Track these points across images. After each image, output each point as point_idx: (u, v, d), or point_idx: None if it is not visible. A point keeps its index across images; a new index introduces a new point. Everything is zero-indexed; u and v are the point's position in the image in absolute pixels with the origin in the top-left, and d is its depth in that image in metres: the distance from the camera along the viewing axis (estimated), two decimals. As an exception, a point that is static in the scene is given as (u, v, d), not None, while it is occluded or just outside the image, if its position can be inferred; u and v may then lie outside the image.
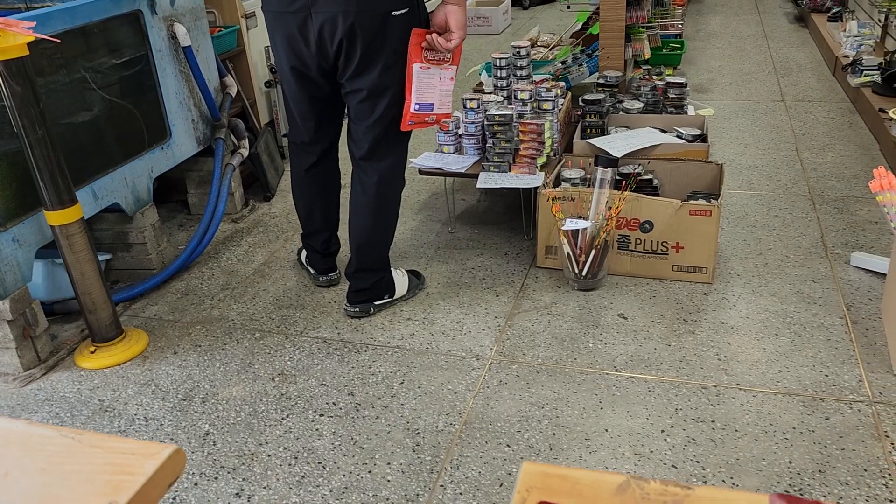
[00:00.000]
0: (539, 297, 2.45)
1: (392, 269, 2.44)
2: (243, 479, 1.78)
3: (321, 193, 2.47)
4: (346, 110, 2.30)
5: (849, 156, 3.42)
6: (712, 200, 2.43)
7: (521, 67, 2.99)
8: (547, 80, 3.09)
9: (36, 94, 1.96)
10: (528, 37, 4.39)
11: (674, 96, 3.21)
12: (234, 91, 3.13)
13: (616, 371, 2.07)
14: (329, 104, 2.27)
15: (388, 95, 2.12)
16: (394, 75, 2.09)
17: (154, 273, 2.67)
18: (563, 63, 3.87)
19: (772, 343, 2.15)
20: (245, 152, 3.14)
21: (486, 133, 2.70)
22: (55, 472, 0.69)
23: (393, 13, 1.99)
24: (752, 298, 2.37)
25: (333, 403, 2.02)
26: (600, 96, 3.03)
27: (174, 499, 1.73)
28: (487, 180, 2.64)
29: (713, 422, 1.87)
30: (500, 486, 1.71)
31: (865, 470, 1.70)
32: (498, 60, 2.99)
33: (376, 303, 2.40)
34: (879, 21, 4.61)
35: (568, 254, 2.43)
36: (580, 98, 3.07)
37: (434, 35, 2.06)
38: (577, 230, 2.39)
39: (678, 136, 2.89)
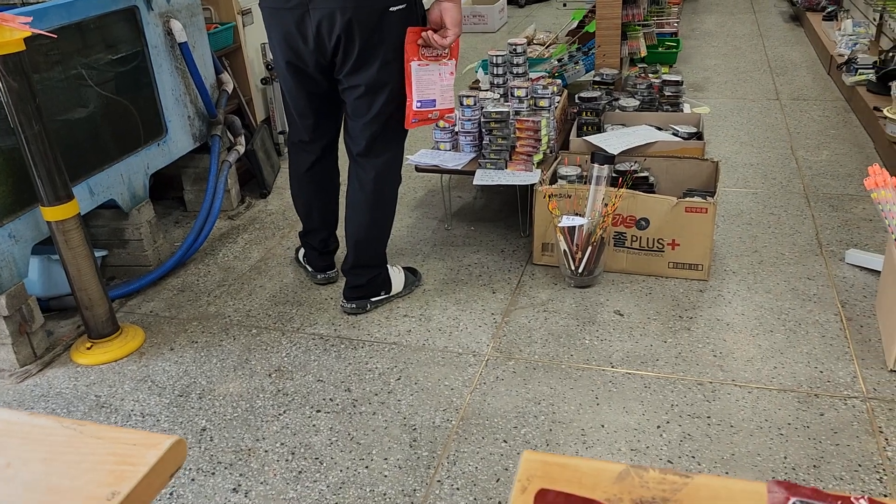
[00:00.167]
0: (535, 294, 2.45)
1: (388, 265, 2.45)
2: (240, 475, 1.78)
3: (320, 193, 2.47)
4: (343, 107, 2.30)
5: (843, 154, 3.43)
6: (708, 198, 2.44)
7: (518, 65, 2.99)
8: (543, 78, 3.10)
9: (32, 89, 1.96)
10: (525, 35, 4.39)
11: (670, 94, 3.22)
12: (230, 88, 3.13)
13: (612, 367, 2.08)
14: (327, 101, 2.27)
15: (386, 91, 2.12)
16: (392, 71, 2.09)
17: (150, 269, 2.67)
18: (559, 61, 3.88)
19: (767, 339, 2.16)
20: (241, 149, 3.13)
21: (483, 130, 2.70)
22: (57, 463, 0.69)
23: (391, 9, 2.00)
24: (747, 295, 2.38)
25: (330, 399, 2.02)
26: (596, 94, 3.04)
27: (171, 494, 1.74)
28: (484, 177, 2.64)
29: (709, 417, 1.88)
30: (497, 481, 1.72)
31: (860, 465, 1.71)
32: (494, 58, 2.99)
33: (373, 299, 2.40)
34: (874, 20, 4.63)
35: (564, 251, 2.44)
36: (576, 96, 3.08)
37: (430, 32, 2.07)
38: (574, 227, 2.40)
39: (674, 134, 2.90)
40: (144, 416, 2.00)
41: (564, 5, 7.01)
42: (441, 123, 2.81)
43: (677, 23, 4.99)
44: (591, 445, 1.81)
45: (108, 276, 2.70)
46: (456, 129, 2.82)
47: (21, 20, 1.87)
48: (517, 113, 2.75)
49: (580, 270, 2.44)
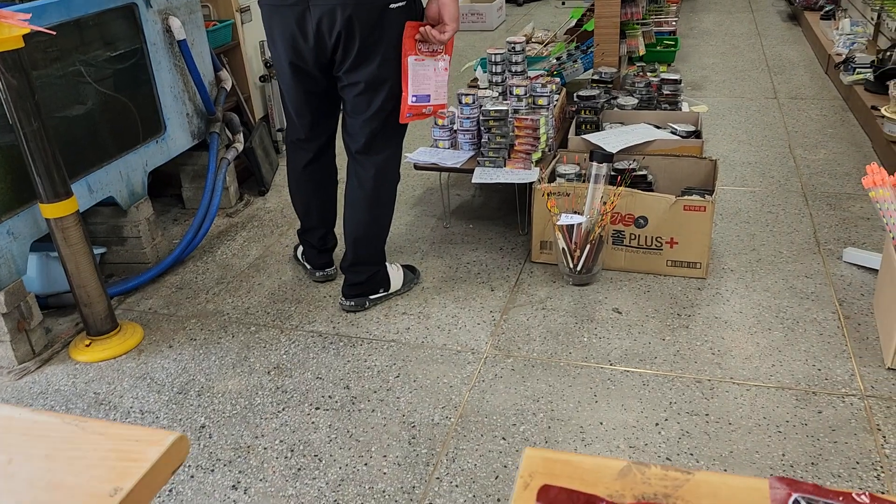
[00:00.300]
0: (534, 292, 2.46)
1: (387, 263, 2.45)
2: (240, 472, 1.78)
3: (318, 191, 2.47)
4: (341, 105, 2.30)
5: (841, 153, 3.44)
6: (706, 196, 2.44)
7: (517, 63, 2.99)
8: (542, 76, 3.10)
9: (31, 86, 1.96)
10: (523, 33, 4.39)
11: (668, 93, 3.22)
12: (228, 85, 3.13)
13: (611, 365, 2.08)
14: (326, 99, 2.27)
15: (386, 88, 2.12)
16: (391, 68, 2.09)
17: (149, 267, 2.67)
18: (557, 59, 3.88)
19: (765, 337, 2.17)
20: (240, 147, 3.13)
21: (482, 128, 2.70)
22: (59, 459, 0.69)
23: (391, 6, 2.00)
24: (745, 293, 2.39)
25: (329, 397, 2.02)
26: (595, 92, 3.04)
27: (170, 491, 1.74)
28: (483, 175, 2.64)
29: (707, 415, 1.88)
30: (496, 478, 1.72)
31: (857, 462, 1.71)
32: (493, 56, 2.99)
33: (371, 297, 2.41)
34: (872, 19, 4.64)
35: (563, 249, 2.44)
36: (575, 94, 3.08)
37: (428, 27, 2.07)
38: (572, 225, 2.40)
39: (672, 133, 2.91)
40: (143, 413, 2.00)
41: (563, 3, 7.01)
42: (440, 121, 2.81)
43: (676, 21, 4.99)
44: (590, 443, 1.81)
45: (106, 273, 2.70)
46: (455, 128, 2.82)
47: (20, 17, 1.86)
48: (516, 111, 2.75)
49: (579, 268, 2.44)
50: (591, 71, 3.61)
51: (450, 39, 2.11)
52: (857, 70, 4.00)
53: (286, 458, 1.82)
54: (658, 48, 4.59)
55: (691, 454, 1.76)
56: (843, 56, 4.31)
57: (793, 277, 2.46)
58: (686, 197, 2.43)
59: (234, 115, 3.17)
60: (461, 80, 4.58)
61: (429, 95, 2.16)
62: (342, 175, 2.42)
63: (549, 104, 2.83)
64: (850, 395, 1.92)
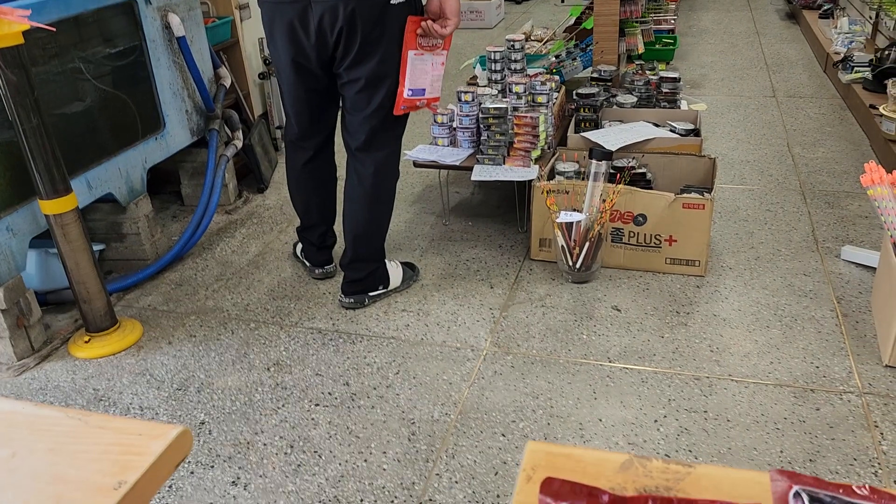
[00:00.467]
0: (533, 289, 2.46)
1: (387, 260, 2.45)
2: (239, 468, 1.79)
3: (318, 189, 2.47)
4: (341, 102, 2.30)
5: (839, 151, 3.45)
6: (705, 194, 2.45)
7: (516, 61, 2.99)
8: (541, 74, 3.10)
9: (31, 82, 1.95)
10: (522, 31, 4.39)
11: (667, 91, 3.23)
12: (227, 82, 3.12)
13: (610, 362, 2.09)
14: (325, 97, 2.27)
15: (386, 85, 2.12)
16: (392, 65, 2.10)
17: (148, 263, 2.67)
18: (556, 57, 3.88)
19: (763, 335, 2.18)
20: (239, 144, 3.13)
21: (481, 126, 2.70)
22: (63, 453, 0.70)
23: (392, 2, 2.00)
24: (743, 291, 2.39)
25: (329, 393, 2.02)
26: (594, 90, 3.04)
27: (170, 487, 1.74)
28: (482, 173, 2.64)
29: (705, 412, 1.89)
30: (496, 474, 1.73)
31: (855, 459, 1.72)
32: (493, 54, 3.00)
33: (371, 294, 2.41)
34: (870, 18, 4.65)
35: (562, 246, 2.45)
36: (574, 92, 3.08)
37: (429, 22, 2.07)
38: (571, 223, 2.40)
39: (671, 131, 2.91)
40: (143, 409, 2.01)
41: (562, 1, 7.01)
42: (439, 119, 2.81)
43: (674, 20, 5.00)
44: (589, 439, 1.82)
45: (105, 269, 2.70)
46: (454, 125, 2.82)
47: (20, 13, 1.86)
48: (515, 109, 2.76)
49: (578, 266, 2.45)
50: (591, 69, 3.62)
51: (450, 34, 2.12)
52: (856, 69, 4.01)
53: (286, 454, 1.82)
54: (657, 46, 4.59)
55: (690, 451, 1.77)
56: (842, 55, 4.31)
57: (791, 275, 2.47)
58: (685, 195, 2.44)
59: (234, 112, 3.17)
60: (460, 78, 4.58)
61: (424, 89, 2.18)
62: (341, 172, 2.42)
63: (548, 102, 2.83)
64: (847, 393, 1.93)
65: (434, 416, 1.92)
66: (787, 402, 1.91)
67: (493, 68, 3.01)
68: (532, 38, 4.28)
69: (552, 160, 2.72)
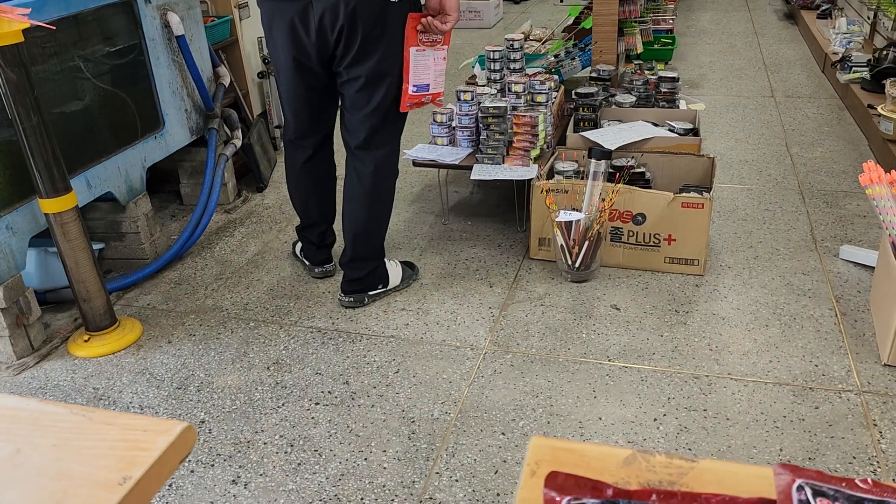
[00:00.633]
0: (532, 288, 2.46)
1: (386, 259, 2.45)
2: (239, 467, 1.79)
3: (317, 188, 2.47)
4: (340, 101, 2.30)
5: (838, 151, 3.46)
6: (704, 193, 2.45)
7: (515, 60, 3.00)
8: (540, 74, 3.11)
9: (31, 81, 1.95)
10: (521, 31, 4.39)
11: (666, 91, 3.23)
12: (227, 81, 3.12)
13: (609, 361, 2.09)
14: (325, 95, 2.27)
15: (386, 83, 2.13)
16: (393, 63, 2.10)
17: (147, 262, 2.66)
18: (555, 57, 3.88)
19: (762, 334, 2.18)
20: (238, 143, 3.13)
21: (480, 125, 2.71)
22: (67, 449, 0.70)
23: (392, 0, 2.01)
24: (742, 290, 2.40)
25: (329, 392, 2.03)
26: (593, 90, 3.05)
27: (170, 486, 1.74)
28: (481, 172, 2.65)
29: (705, 410, 1.89)
30: (496, 472, 1.73)
31: (854, 457, 1.72)
32: (492, 53, 3.00)
33: (370, 293, 2.41)
34: (868, 18, 4.66)
35: (561, 245, 2.45)
36: (573, 91, 3.08)
37: (430, 18, 2.08)
38: (571, 222, 2.41)
39: (670, 130, 2.92)
40: (143, 408, 2.01)
41: (561, 1, 7.01)
42: (438, 118, 2.81)
43: (673, 20, 5.00)
44: (589, 438, 1.82)
45: (104, 268, 2.69)
46: (453, 124, 2.82)
47: (19, 11, 1.86)
48: (514, 108, 2.76)
49: (577, 265, 2.45)
50: (589, 69, 3.62)
51: (450, 29, 2.14)
52: (854, 69, 4.01)
53: (286, 452, 1.82)
54: (656, 46, 4.60)
55: (689, 449, 1.77)
56: (840, 55, 4.32)
57: (790, 274, 2.47)
58: (684, 194, 2.44)
59: (233, 111, 3.17)
60: (459, 78, 4.59)
61: (428, 85, 2.19)
62: (340, 171, 2.42)
63: (547, 101, 2.83)
64: (846, 391, 1.93)
65: (434, 414, 1.92)
66: (787, 400, 1.91)
67: (492, 68, 3.02)
68: (531, 37, 4.29)
69: (551, 159, 2.73)
